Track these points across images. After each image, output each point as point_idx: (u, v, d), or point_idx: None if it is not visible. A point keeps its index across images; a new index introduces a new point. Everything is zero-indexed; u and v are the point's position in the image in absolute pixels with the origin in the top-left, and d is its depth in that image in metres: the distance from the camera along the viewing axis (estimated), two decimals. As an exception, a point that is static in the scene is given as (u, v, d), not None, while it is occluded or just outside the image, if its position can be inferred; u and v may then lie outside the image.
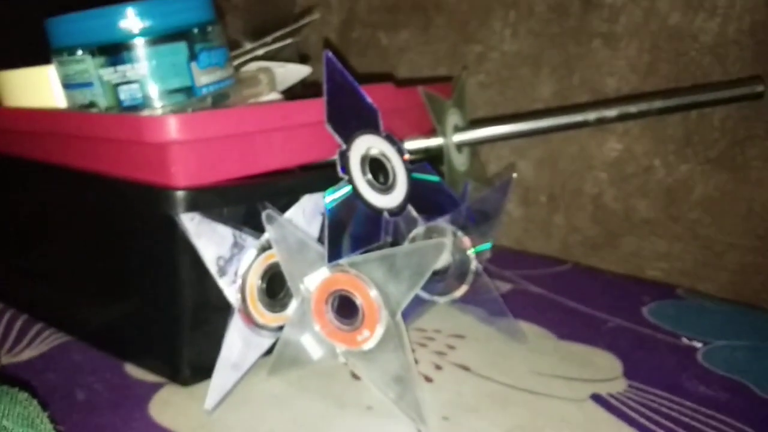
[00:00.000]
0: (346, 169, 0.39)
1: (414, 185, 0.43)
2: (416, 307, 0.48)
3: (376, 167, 0.41)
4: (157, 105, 0.35)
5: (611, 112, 0.54)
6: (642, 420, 0.40)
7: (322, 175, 0.40)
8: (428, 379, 0.43)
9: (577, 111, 0.55)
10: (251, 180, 0.38)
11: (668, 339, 0.52)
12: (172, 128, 0.33)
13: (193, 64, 0.36)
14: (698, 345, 0.51)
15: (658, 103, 0.52)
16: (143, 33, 0.34)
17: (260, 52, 0.47)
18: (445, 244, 0.38)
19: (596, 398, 0.42)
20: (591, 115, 0.54)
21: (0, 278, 0.50)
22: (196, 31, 0.36)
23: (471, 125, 0.57)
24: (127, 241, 0.38)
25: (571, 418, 0.39)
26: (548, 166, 0.78)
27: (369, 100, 0.41)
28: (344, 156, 0.39)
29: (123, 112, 0.35)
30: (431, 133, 0.53)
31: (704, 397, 0.43)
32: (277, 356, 0.40)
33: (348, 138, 0.40)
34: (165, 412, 0.36)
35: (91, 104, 0.35)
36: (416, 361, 0.45)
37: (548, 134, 0.66)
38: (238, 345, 0.38)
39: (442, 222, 0.48)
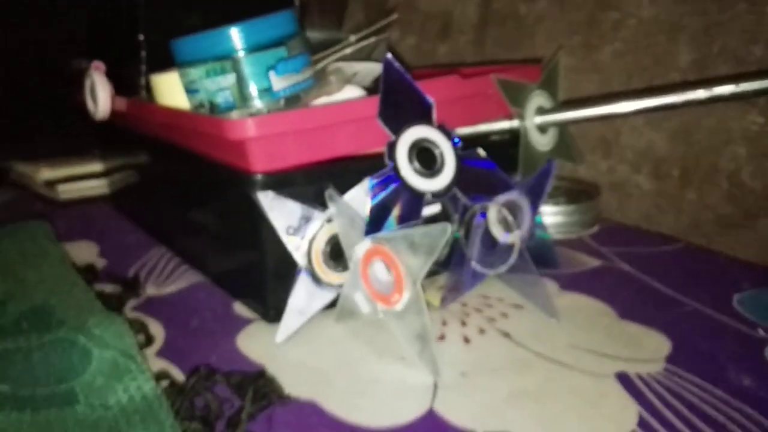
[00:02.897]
0: (392, 156, 0.47)
1: (465, 170, 0.49)
2: (469, 277, 0.55)
3: (426, 155, 0.48)
4: (243, 107, 0.46)
5: (704, 93, 0.53)
6: (657, 403, 0.43)
7: (380, 161, 0.48)
8: (467, 340, 0.50)
9: (667, 91, 0.55)
10: (314, 166, 0.48)
11: (742, 328, 0.52)
12: (247, 128, 0.44)
13: (272, 73, 0.46)
14: (775, 338, 0.51)
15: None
16: (229, 53, 0.45)
17: (348, 50, 0.55)
18: (448, 228, 0.43)
19: (621, 376, 0.45)
20: (681, 97, 0.54)
21: (160, 230, 0.67)
22: (276, 45, 0.46)
23: (560, 107, 0.60)
24: (227, 210, 0.51)
25: (583, 391, 0.44)
26: (682, 139, 0.77)
27: (424, 95, 0.48)
28: (392, 146, 0.47)
29: (220, 113, 0.47)
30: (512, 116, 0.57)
31: (742, 390, 0.44)
32: (339, 308, 0.51)
33: (397, 130, 0.47)
34: (247, 341, 0.49)
35: (201, 105, 0.48)
36: (464, 324, 0.52)
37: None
38: (302, 296, 0.48)
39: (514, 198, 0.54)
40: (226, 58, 0.45)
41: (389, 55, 0.48)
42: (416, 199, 0.47)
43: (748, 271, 0.62)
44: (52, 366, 0.35)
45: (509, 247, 0.53)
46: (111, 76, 0.63)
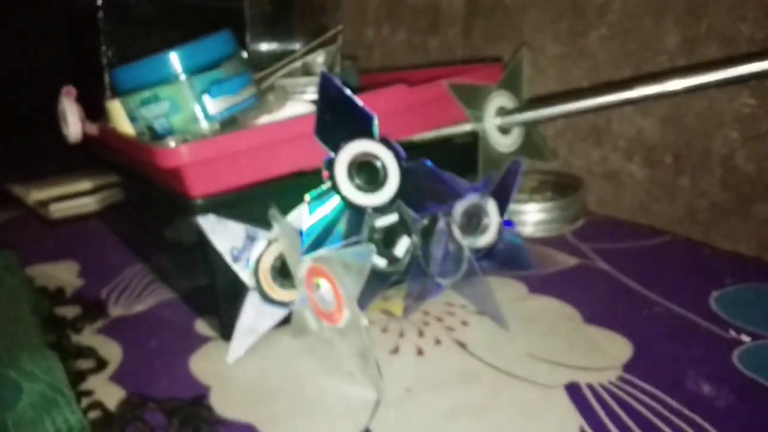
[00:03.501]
0: (330, 173, 0.47)
1: (410, 182, 0.49)
2: (429, 287, 0.54)
3: (369, 168, 0.48)
4: (177, 133, 0.47)
5: (654, 88, 0.51)
6: (602, 415, 0.42)
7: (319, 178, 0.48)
8: (420, 353, 0.50)
9: (622, 88, 0.53)
10: (256, 186, 0.48)
11: (714, 330, 0.50)
12: (180, 155, 0.45)
13: (205, 96, 0.47)
14: (746, 339, 0.49)
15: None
16: (162, 80, 0.45)
17: (297, 64, 0.55)
18: (373, 248, 0.43)
19: (570, 387, 0.44)
20: (634, 93, 0.52)
21: (138, 247, 0.69)
22: (205, 71, 0.46)
23: (524, 106, 0.59)
24: (177, 232, 0.52)
25: (527, 404, 0.43)
26: (673, 124, 0.74)
27: (364, 108, 0.48)
28: (330, 162, 0.47)
29: (159, 139, 0.48)
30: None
31: (698, 399, 0.42)
32: (293, 324, 0.51)
33: (336, 146, 0.47)
34: (200, 361, 0.50)
35: (142, 132, 0.49)
36: (421, 334, 0.52)
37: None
38: (252, 315, 0.49)
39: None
40: (158, 86, 0.46)
41: (324, 71, 0.47)
42: (358, 214, 0.47)
43: (733, 266, 0.60)
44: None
45: (462, 255, 0.52)
46: (83, 100, 0.65)
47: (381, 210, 0.48)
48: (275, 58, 0.57)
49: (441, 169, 0.54)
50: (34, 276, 0.64)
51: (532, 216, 0.71)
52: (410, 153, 0.57)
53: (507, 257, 0.60)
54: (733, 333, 0.50)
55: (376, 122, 0.48)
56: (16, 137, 0.82)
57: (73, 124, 0.61)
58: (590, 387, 0.44)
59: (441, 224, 0.56)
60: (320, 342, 0.50)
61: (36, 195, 0.80)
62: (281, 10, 0.58)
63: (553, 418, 0.42)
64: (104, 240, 0.74)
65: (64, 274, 0.66)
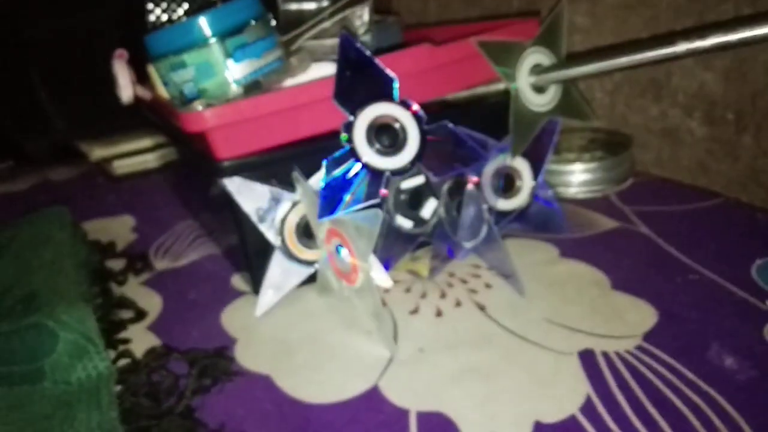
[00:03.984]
0: (349, 136, 0.47)
1: (434, 144, 0.49)
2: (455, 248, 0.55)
3: (388, 132, 0.48)
4: (204, 98, 0.49)
5: (709, 41, 0.48)
6: (612, 385, 0.41)
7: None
8: (439, 314, 0.50)
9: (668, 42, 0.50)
10: (281, 149, 0.49)
11: (750, 300, 0.48)
12: (204, 119, 0.47)
13: (230, 61, 0.48)
14: (783, 312, 0.47)
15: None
16: (185, 47, 0.47)
17: (326, 24, 0.55)
18: (380, 213, 0.43)
19: (584, 354, 0.44)
20: (682, 47, 0.49)
21: (189, 203, 0.73)
22: (229, 36, 0.47)
23: (561, 63, 0.57)
24: (212, 193, 0.54)
25: (537, 369, 0.43)
26: (737, 78, 0.69)
27: (384, 71, 0.48)
28: (348, 126, 0.47)
29: (186, 103, 0.50)
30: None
31: (718, 372, 0.41)
32: (318, 282, 0.53)
33: (355, 109, 0.48)
34: (231, 314, 0.53)
35: (174, 97, 0.51)
36: (443, 295, 0.53)
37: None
38: (277, 273, 0.51)
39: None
40: (184, 51, 0.47)
41: (344, 34, 0.48)
42: (377, 177, 0.48)
43: (785, 232, 0.57)
44: (27, 347, 0.41)
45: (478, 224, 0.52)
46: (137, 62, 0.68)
47: (401, 173, 0.48)
48: (310, 17, 0.58)
49: (475, 129, 0.54)
50: (92, 230, 0.69)
51: (576, 177, 0.69)
52: (443, 112, 0.57)
53: (540, 220, 0.59)
54: (769, 304, 0.47)
55: (396, 84, 0.48)
56: (88, 95, 0.87)
57: (124, 87, 0.64)
58: (605, 355, 0.44)
59: (470, 186, 0.56)
60: (342, 301, 0.52)
61: (99, 152, 0.86)
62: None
63: (561, 384, 0.42)
64: (160, 196, 0.78)
65: (120, 228, 0.71)
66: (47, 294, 0.44)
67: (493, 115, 0.54)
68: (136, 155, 0.86)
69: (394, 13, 0.85)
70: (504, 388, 0.42)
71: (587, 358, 0.44)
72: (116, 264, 0.61)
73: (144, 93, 0.66)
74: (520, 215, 0.58)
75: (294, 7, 0.57)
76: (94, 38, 0.93)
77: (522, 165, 0.57)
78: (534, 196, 0.58)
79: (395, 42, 0.69)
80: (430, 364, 0.45)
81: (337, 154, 0.47)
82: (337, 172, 0.47)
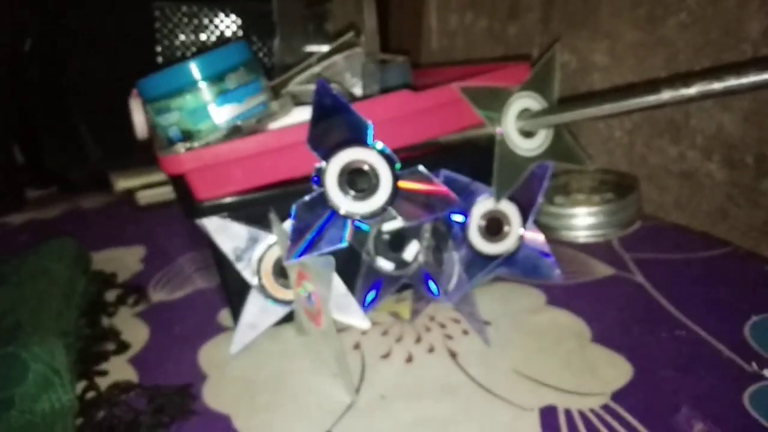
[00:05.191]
0: (320, 180, 0.48)
1: (404, 191, 0.49)
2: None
3: (360, 176, 0.49)
4: (184, 140, 0.51)
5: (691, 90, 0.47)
6: (568, 445, 0.40)
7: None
8: (409, 360, 0.50)
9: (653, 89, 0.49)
10: (260, 190, 0.51)
11: (736, 361, 0.46)
12: (181, 162, 0.49)
13: (211, 106, 0.50)
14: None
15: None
16: (169, 93, 0.50)
17: (316, 69, 0.57)
18: (332, 260, 0.43)
19: (545, 411, 0.43)
20: (667, 94, 0.48)
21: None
22: (210, 82, 0.50)
23: (552, 108, 0.56)
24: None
25: (494, 424, 0.42)
26: (758, 120, 0.67)
27: (359, 116, 0.49)
28: (320, 170, 0.48)
29: (171, 146, 0.52)
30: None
31: (683, 439, 0.40)
32: (296, 322, 0.54)
33: (328, 154, 0.49)
34: (209, 350, 0.54)
35: (163, 138, 0.53)
36: (419, 340, 0.52)
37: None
38: (253, 311, 0.52)
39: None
40: (168, 97, 0.50)
41: (321, 80, 0.49)
42: (342, 222, 0.49)
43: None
44: (0, 376, 0.43)
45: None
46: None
47: (372, 218, 0.49)
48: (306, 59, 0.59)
49: (466, 172, 0.54)
50: (103, 259, 0.72)
51: (579, 220, 0.68)
52: (435, 156, 0.57)
53: (530, 265, 0.58)
54: (755, 366, 0.45)
55: (370, 130, 0.49)
56: (123, 128, 0.92)
57: (138, 123, 0.68)
58: (567, 413, 0.43)
59: (456, 230, 0.56)
60: (315, 342, 0.52)
61: (123, 183, 0.90)
62: (315, 9, 0.60)
63: (514, 442, 0.41)
64: (175, 227, 0.82)
65: (130, 258, 0.74)
66: (29, 325, 0.47)
67: (485, 159, 0.54)
68: (159, 186, 0.89)
69: (405, 52, 0.86)
70: (455, 443, 0.41)
71: (548, 414, 0.43)
72: (112, 296, 0.64)
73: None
74: (509, 260, 0.57)
75: (294, 48, 0.59)
76: (134, 76, 0.99)
77: (510, 209, 0.57)
78: (521, 240, 0.57)
79: (403, 82, 0.70)
80: (387, 413, 0.45)
81: (307, 197, 0.48)
82: (307, 215, 0.48)
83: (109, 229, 0.84)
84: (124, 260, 0.73)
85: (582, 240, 0.67)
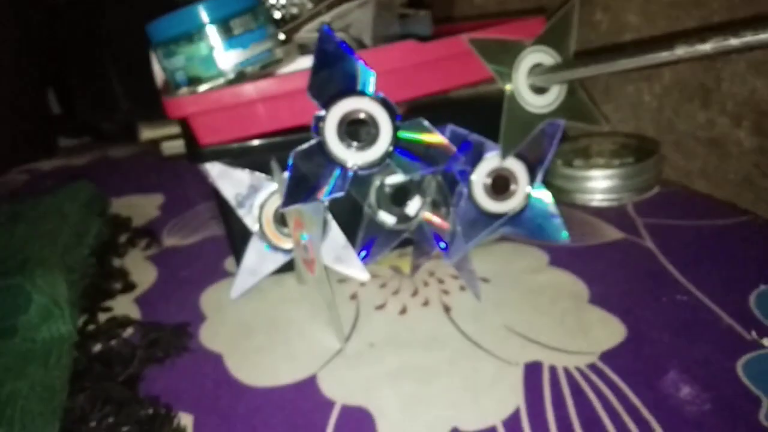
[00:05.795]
0: (319, 129, 0.48)
1: (405, 142, 0.49)
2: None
3: (360, 126, 0.49)
4: (190, 85, 0.51)
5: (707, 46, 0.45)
6: (547, 402, 0.40)
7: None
8: (403, 312, 0.51)
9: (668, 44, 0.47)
10: (264, 137, 0.51)
11: (735, 329, 0.45)
12: (183, 105, 0.49)
13: (216, 51, 0.50)
14: (767, 344, 0.43)
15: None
16: (175, 37, 0.50)
17: (326, 17, 0.56)
18: (321, 205, 0.43)
19: (530, 366, 0.43)
20: (681, 49, 0.46)
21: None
22: (216, 27, 0.50)
23: (566, 63, 0.54)
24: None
25: (478, 376, 0.42)
26: (791, 86, 0.64)
27: (363, 65, 0.48)
28: (319, 119, 0.48)
29: (175, 89, 0.53)
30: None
31: (668, 400, 0.39)
32: (296, 270, 0.55)
33: (328, 102, 0.49)
34: (212, 294, 0.55)
35: (169, 81, 0.54)
36: (415, 293, 0.53)
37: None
38: (253, 258, 0.53)
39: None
40: (174, 41, 0.50)
41: (326, 26, 0.49)
42: (343, 171, 0.49)
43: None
44: (5, 305, 0.45)
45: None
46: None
47: (366, 168, 0.49)
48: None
49: (476, 128, 0.54)
50: (122, 205, 0.74)
51: (593, 183, 0.66)
52: (444, 110, 0.57)
53: (535, 225, 0.57)
54: (754, 335, 0.44)
55: (372, 79, 0.49)
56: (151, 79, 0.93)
57: (157, 72, 0.69)
58: (552, 369, 0.43)
59: (461, 187, 0.56)
60: (312, 290, 0.53)
61: (147, 134, 0.92)
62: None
63: (495, 394, 0.41)
64: (194, 177, 0.83)
65: (148, 205, 0.76)
66: (36, 260, 0.49)
67: (497, 115, 0.53)
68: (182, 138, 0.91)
69: (442, 8, 0.84)
70: (436, 392, 0.41)
71: (533, 370, 0.43)
72: (127, 237, 0.66)
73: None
74: (514, 219, 0.57)
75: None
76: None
77: (517, 167, 0.56)
78: (529, 201, 0.56)
79: (424, 34, 0.69)
80: (374, 360, 0.45)
81: (306, 145, 0.49)
82: (305, 164, 0.48)
83: (132, 177, 0.87)
84: (143, 206, 0.75)
85: (596, 203, 0.65)
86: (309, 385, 0.43)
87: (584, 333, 0.46)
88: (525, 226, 0.57)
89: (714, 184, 0.71)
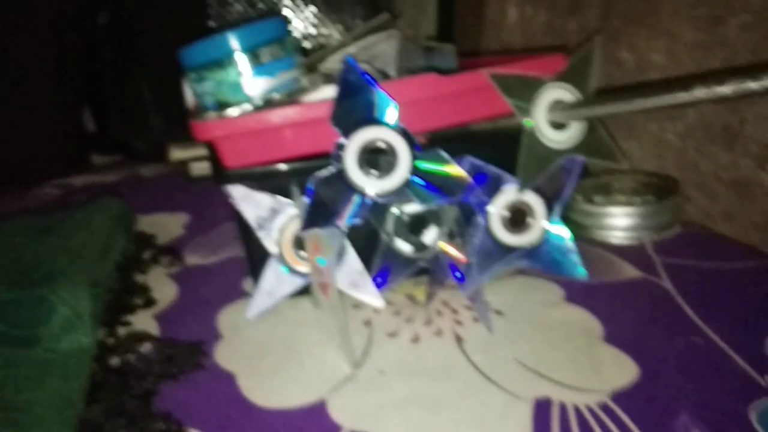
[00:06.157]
0: (339, 157, 0.50)
1: (423, 172, 0.50)
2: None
3: (379, 156, 0.50)
4: (218, 109, 0.53)
5: (726, 89, 0.45)
6: (555, 437, 0.40)
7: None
8: (415, 340, 0.51)
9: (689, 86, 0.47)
10: (287, 162, 0.53)
11: (749, 373, 0.44)
12: (209, 129, 0.51)
13: (244, 78, 0.52)
14: (781, 391, 0.42)
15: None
16: (202, 65, 0.52)
17: (352, 49, 0.58)
18: (337, 233, 0.44)
19: (540, 402, 0.43)
20: (700, 92, 0.46)
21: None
22: (246, 55, 0.52)
23: (587, 100, 0.55)
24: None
25: (485, 409, 0.43)
26: (816, 130, 0.64)
27: (385, 95, 0.50)
28: (340, 147, 0.50)
29: (204, 113, 0.55)
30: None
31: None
32: (312, 294, 0.56)
33: (349, 131, 0.50)
34: (229, 313, 0.56)
35: (198, 105, 0.56)
36: (429, 323, 0.53)
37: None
38: (271, 280, 0.54)
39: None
40: (204, 67, 0.52)
41: (349, 57, 0.50)
42: (362, 198, 0.50)
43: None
44: (29, 314, 0.47)
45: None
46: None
47: (387, 196, 0.50)
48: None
49: (496, 162, 0.54)
50: (148, 223, 0.76)
51: (613, 220, 0.66)
52: (464, 143, 0.58)
53: (552, 260, 0.57)
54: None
55: (393, 110, 0.50)
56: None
57: (188, 95, 0.71)
58: (562, 406, 0.42)
59: (478, 218, 0.56)
60: (326, 314, 0.54)
61: (177, 154, 0.94)
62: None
63: (503, 428, 0.41)
64: (219, 198, 0.85)
65: (173, 223, 0.78)
66: (61, 272, 0.50)
67: (516, 149, 0.54)
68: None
69: (469, 45, 0.85)
70: (444, 423, 0.42)
71: (542, 406, 0.43)
72: (151, 254, 0.68)
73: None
74: (531, 253, 0.57)
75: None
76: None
77: (535, 201, 0.56)
78: (546, 235, 0.57)
79: (447, 68, 0.70)
80: (383, 387, 0.45)
81: (326, 172, 0.50)
82: (324, 190, 0.49)
83: (160, 196, 0.89)
84: (168, 225, 0.77)
85: (615, 241, 0.65)
86: (318, 409, 0.44)
87: (595, 371, 0.46)
88: (541, 261, 0.57)
89: (737, 226, 0.71)
